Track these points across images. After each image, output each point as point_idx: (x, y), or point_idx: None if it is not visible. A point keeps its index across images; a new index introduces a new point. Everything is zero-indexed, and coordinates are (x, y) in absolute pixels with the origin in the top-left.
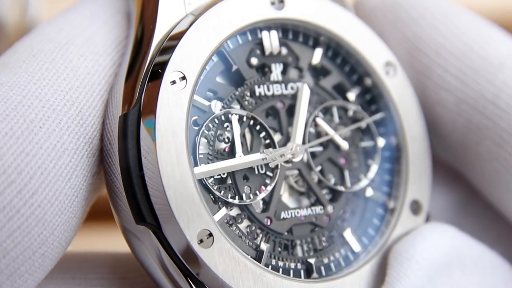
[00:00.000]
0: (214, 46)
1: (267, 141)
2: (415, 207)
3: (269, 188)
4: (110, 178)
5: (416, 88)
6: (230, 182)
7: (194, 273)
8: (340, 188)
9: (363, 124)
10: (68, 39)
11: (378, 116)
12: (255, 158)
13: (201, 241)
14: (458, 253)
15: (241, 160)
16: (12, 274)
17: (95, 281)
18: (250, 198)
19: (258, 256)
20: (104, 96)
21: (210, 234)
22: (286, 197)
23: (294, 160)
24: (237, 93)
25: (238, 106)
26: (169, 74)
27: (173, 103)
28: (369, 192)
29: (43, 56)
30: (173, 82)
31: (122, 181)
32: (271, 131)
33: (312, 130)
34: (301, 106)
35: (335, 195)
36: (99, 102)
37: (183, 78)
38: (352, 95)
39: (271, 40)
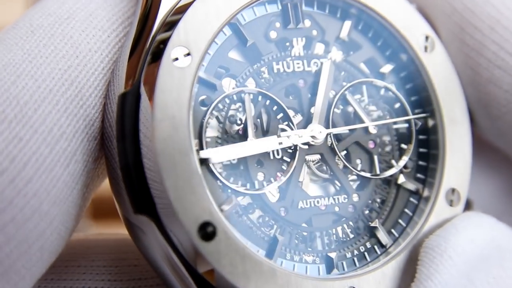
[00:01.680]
0: (224, 19)
1: (285, 123)
2: (452, 197)
3: (286, 175)
4: (110, 164)
5: (467, 65)
6: (242, 168)
7: (195, 267)
8: (368, 174)
9: (401, 121)
10: (70, 13)
11: (421, 115)
12: (269, 142)
13: (203, 233)
14: (497, 246)
15: (252, 144)
16: (7, 270)
17: (103, 268)
18: (263, 186)
19: (270, 249)
20: (107, 75)
21: (213, 226)
22: (307, 184)
23: (316, 143)
24: (252, 70)
25: (253, 84)
26: (171, 50)
27: (175, 82)
28: (401, 179)
29: (42, 32)
30: (176, 59)
31: (119, 167)
32: (290, 112)
33: (337, 110)
34: (324, 83)
35: (362, 183)
36: (101, 81)
37: (188, 54)
38: (384, 72)
39: (293, 11)
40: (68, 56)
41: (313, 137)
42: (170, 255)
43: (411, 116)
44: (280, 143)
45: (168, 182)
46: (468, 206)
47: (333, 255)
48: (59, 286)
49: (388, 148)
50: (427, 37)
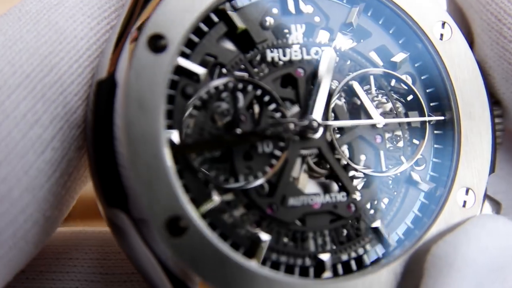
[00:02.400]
0: (204, 6)
1: (277, 114)
2: (465, 197)
3: (276, 170)
4: (88, 154)
5: (503, 58)
6: (226, 162)
7: (165, 263)
8: (372, 172)
9: (415, 121)
10: (62, 3)
11: (437, 118)
12: (254, 134)
13: (171, 228)
14: None
15: (234, 136)
16: None
17: (95, 261)
18: (249, 181)
19: (251, 248)
20: (94, 63)
21: (183, 221)
22: (303, 180)
23: (311, 136)
24: (244, 58)
25: (245, 74)
26: (146, 36)
27: (149, 69)
28: (412, 177)
29: (28, 18)
30: (152, 45)
31: (93, 157)
32: (284, 104)
33: (339, 102)
34: (323, 72)
35: (367, 180)
36: (86, 69)
37: (164, 40)
38: (396, 61)
39: None
40: (51, 41)
41: (306, 128)
42: (144, 251)
43: (416, 118)
44: (268, 135)
45: (134, 172)
46: (496, 209)
47: (325, 256)
48: (48, 278)
49: (398, 143)
50: (443, 24)
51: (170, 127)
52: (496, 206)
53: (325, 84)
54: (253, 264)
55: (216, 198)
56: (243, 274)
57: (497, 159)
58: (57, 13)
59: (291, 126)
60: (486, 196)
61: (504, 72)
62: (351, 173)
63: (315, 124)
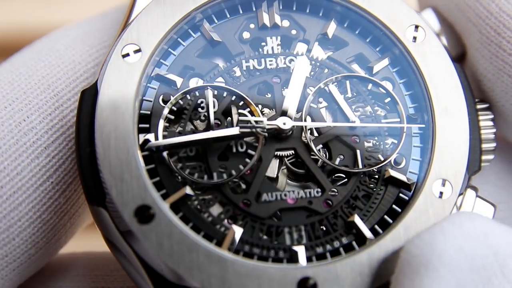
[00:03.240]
0: (178, 18)
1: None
2: (442, 188)
3: (249, 168)
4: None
5: (503, 71)
6: (200, 160)
7: (136, 250)
8: (346, 168)
9: (391, 116)
10: (66, 34)
11: (416, 125)
12: (223, 132)
13: (139, 217)
14: (495, 253)
15: (201, 135)
16: None
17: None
18: (222, 178)
19: (222, 239)
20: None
21: (151, 210)
22: (281, 179)
23: (281, 133)
24: (221, 69)
25: (222, 83)
26: (121, 47)
27: (123, 76)
28: (388, 173)
29: (33, 48)
30: (127, 55)
31: (77, 158)
32: (258, 107)
33: (314, 105)
34: (295, 78)
35: (344, 178)
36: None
37: (138, 51)
38: (373, 66)
39: (267, 13)
40: (50, 65)
41: (277, 127)
42: (125, 247)
43: (393, 124)
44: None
45: (106, 167)
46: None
47: (299, 248)
48: None
49: (376, 143)
50: (416, 27)
51: (147, 130)
52: (490, 208)
53: (298, 88)
54: (223, 251)
55: (187, 193)
56: (211, 260)
57: (496, 169)
58: (60, 43)
59: (261, 124)
60: (480, 198)
61: (504, 85)
62: (330, 172)
63: (285, 123)
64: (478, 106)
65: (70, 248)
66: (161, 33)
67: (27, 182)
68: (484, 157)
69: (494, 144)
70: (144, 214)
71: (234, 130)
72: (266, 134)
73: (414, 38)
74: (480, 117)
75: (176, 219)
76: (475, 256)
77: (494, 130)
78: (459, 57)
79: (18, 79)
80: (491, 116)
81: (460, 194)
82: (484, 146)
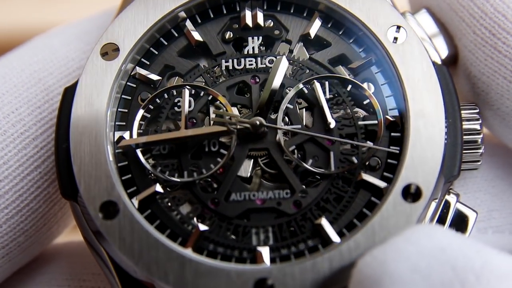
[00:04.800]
0: (157, 18)
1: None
2: (411, 192)
3: (220, 167)
4: None
5: (498, 73)
6: (173, 159)
7: (101, 244)
8: (318, 170)
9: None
10: (64, 31)
11: (382, 148)
12: (196, 131)
13: (104, 212)
14: (453, 269)
15: (173, 133)
16: None
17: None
18: (193, 176)
19: (186, 237)
20: None
21: (116, 206)
22: (255, 179)
23: (253, 131)
24: (202, 68)
25: (202, 82)
26: (100, 46)
27: (100, 73)
28: (361, 177)
29: (29, 44)
30: (105, 53)
31: (55, 153)
32: (234, 108)
33: (290, 106)
34: (272, 78)
35: (316, 179)
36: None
37: (117, 50)
38: (353, 67)
39: (250, 13)
40: (44, 59)
41: (249, 125)
42: (97, 246)
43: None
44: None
45: (77, 162)
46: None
47: (263, 249)
48: None
49: (352, 145)
50: (398, 28)
51: (124, 128)
52: (472, 214)
53: (274, 88)
54: (183, 250)
55: (157, 188)
56: (170, 257)
57: (489, 177)
58: (56, 39)
59: (234, 120)
60: (462, 204)
61: (499, 87)
62: (303, 174)
63: (257, 122)
64: (465, 110)
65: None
66: (140, 31)
67: (13, 171)
68: (469, 164)
69: (480, 150)
70: (109, 209)
71: (207, 129)
72: (236, 129)
73: (395, 39)
74: (464, 121)
75: (140, 216)
76: (431, 273)
77: (480, 136)
78: (452, 59)
79: (11, 73)
80: (478, 122)
81: (434, 199)
82: (469, 151)
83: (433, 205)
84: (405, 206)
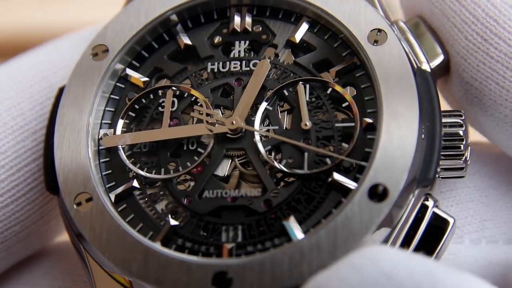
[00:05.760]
0: (147, 21)
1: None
2: (377, 192)
3: (194, 165)
4: None
5: (491, 79)
6: (153, 156)
7: (81, 242)
8: (289, 170)
9: (346, 120)
10: (75, 35)
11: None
12: (174, 129)
13: (79, 203)
14: None
15: (150, 132)
16: None
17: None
18: (169, 174)
19: (156, 232)
20: None
21: (90, 199)
22: (233, 179)
23: (234, 137)
24: (189, 71)
25: (189, 84)
26: (91, 47)
27: (88, 73)
28: (332, 177)
29: (40, 47)
30: (95, 54)
31: (44, 149)
32: (215, 109)
33: (270, 108)
34: (253, 80)
35: (289, 179)
36: None
37: (106, 50)
38: (335, 71)
39: (239, 18)
40: (50, 60)
41: (224, 125)
42: (77, 241)
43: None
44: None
45: (58, 155)
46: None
47: (229, 245)
48: None
49: (327, 147)
50: (379, 31)
51: (109, 126)
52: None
53: (254, 90)
54: (150, 242)
55: (134, 184)
56: (135, 248)
57: (482, 186)
58: (65, 42)
59: (212, 118)
60: (439, 209)
61: (492, 93)
62: (278, 174)
63: (233, 122)
64: (449, 117)
65: None
66: (130, 33)
67: (11, 162)
68: (452, 172)
69: (463, 157)
70: (84, 201)
71: (185, 129)
72: (213, 127)
73: (375, 41)
74: (447, 127)
75: (111, 209)
76: None
77: (463, 143)
78: (444, 65)
79: (17, 71)
80: (462, 128)
81: (406, 202)
82: (451, 158)
83: (408, 207)
84: (370, 206)
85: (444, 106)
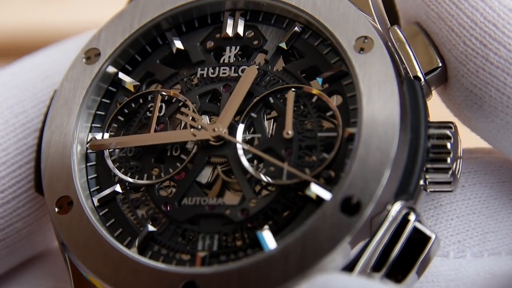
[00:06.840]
0: (144, 22)
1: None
2: (348, 204)
3: (176, 171)
4: None
5: (491, 85)
6: (138, 161)
7: (72, 260)
8: (268, 180)
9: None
10: (81, 36)
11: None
12: (160, 134)
13: (60, 207)
14: None
15: (138, 136)
16: None
17: None
18: (152, 179)
19: (134, 238)
20: None
21: (71, 202)
22: (216, 187)
23: (216, 144)
24: (180, 76)
25: (179, 89)
26: (84, 51)
27: (80, 76)
28: (311, 189)
29: (45, 49)
30: (88, 58)
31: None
32: (203, 115)
33: (254, 115)
34: (239, 87)
35: (268, 189)
36: None
37: (98, 54)
38: (322, 78)
39: (231, 23)
40: (54, 60)
41: (206, 131)
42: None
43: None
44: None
45: (44, 156)
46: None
47: (203, 254)
48: None
49: (309, 157)
50: (366, 38)
51: (98, 129)
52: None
53: (240, 97)
54: (124, 248)
55: (116, 189)
56: (108, 253)
57: (482, 197)
58: (71, 43)
59: (196, 122)
60: (420, 224)
61: (492, 100)
62: (259, 183)
63: (214, 129)
64: (438, 129)
65: None
66: (123, 37)
67: (12, 158)
68: (439, 186)
69: (450, 171)
70: (65, 205)
71: (169, 135)
72: (197, 132)
73: (361, 49)
74: (433, 139)
75: (90, 213)
76: None
77: (451, 156)
78: (442, 73)
79: (21, 70)
80: (449, 140)
81: (382, 215)
82: (438, 172)
83: (386, 221)
84: (341, 219)
85: (445, 112)
